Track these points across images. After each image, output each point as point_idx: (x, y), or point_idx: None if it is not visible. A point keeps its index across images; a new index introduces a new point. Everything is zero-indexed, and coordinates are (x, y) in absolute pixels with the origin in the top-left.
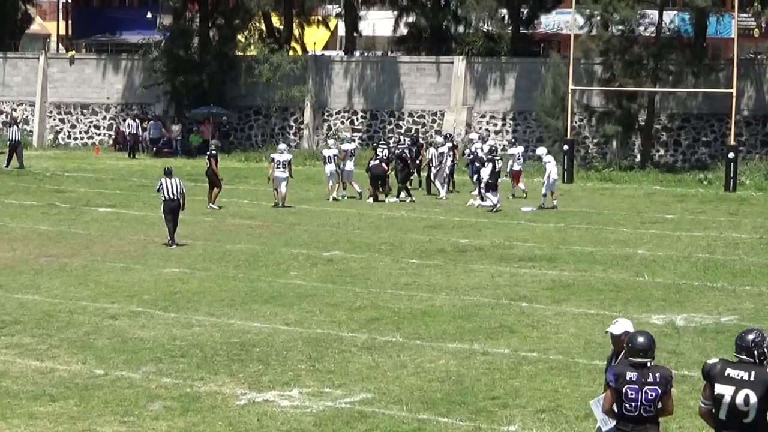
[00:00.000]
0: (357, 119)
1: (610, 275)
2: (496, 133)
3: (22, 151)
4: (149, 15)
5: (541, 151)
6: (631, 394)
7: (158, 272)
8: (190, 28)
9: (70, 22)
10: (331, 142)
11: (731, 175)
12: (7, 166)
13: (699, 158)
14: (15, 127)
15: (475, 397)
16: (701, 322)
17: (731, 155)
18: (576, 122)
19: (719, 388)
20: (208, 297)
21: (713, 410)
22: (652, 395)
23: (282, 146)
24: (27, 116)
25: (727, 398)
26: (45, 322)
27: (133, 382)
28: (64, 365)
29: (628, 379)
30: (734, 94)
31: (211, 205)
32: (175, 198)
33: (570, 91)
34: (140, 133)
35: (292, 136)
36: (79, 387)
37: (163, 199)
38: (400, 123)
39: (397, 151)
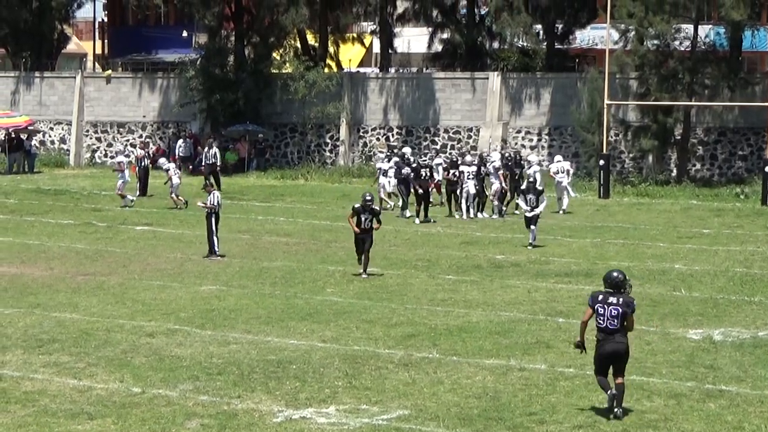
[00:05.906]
0: (392, 135)
1: (647, 290)
2: (532, 148)
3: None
4: (185, 34)
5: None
6: (600, 310)
7: (195, 290)
8: (225, 47)
9: (106, 41)
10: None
11: None
12: (144, 195)
13: (735, 172)
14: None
15: (512, 413)
16: (739, 336)
17: None
18: (612, 137)
19: None
20: (244, 314)
21: None
22: (614, 312)
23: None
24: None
25: None
26: (82, 340)
27: (170, 400)
28: (101, 383)
29: (599, 299)
30: None
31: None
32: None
33: (605, 105)
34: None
35: (328, 153)
36: (116, 405)
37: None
38: (436, 139)
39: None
